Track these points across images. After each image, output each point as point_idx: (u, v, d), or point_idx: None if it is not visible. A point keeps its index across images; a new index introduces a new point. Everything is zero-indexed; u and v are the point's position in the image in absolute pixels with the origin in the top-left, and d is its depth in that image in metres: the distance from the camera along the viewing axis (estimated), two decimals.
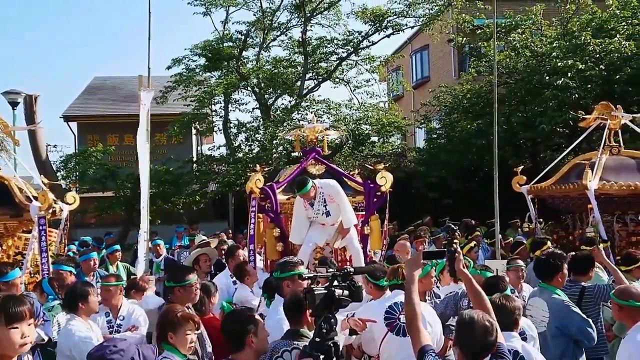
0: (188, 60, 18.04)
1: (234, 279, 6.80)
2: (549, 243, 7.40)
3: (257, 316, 3.62)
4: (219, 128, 19.22)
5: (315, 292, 3.06)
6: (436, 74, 24.20)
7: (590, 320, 4.83)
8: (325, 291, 3.09)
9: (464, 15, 17.81)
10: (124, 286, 6.04)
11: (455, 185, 16.12)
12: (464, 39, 18.09)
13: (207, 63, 17.99)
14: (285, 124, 16.31)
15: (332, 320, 3.05)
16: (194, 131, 20.20)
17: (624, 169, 8.44)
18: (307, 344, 3.52)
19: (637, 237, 8.06)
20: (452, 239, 3.78)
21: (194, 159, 19.87)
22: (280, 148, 16.73)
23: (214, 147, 20.28)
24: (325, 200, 6.84)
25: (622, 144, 8.98)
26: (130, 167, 15.99)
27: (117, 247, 9.10)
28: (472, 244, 7.70)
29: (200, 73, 18.33)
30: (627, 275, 5.80)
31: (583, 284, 5.49)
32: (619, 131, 8.94)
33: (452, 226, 10.55)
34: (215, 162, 18.44)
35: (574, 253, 6.29)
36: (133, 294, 6.13)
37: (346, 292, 3.12)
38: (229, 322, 3.59)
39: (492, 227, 8.71)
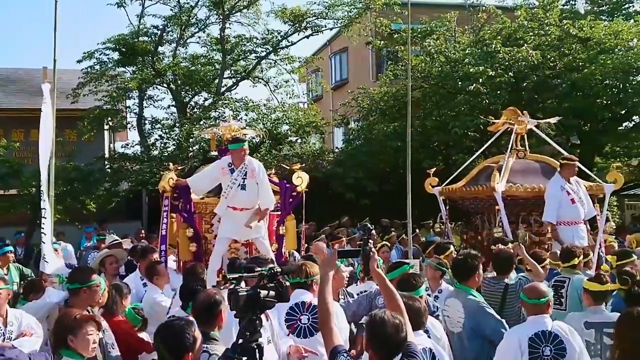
0: (100, 54, 17.36)
1: (144, 280, 6.57)
2: (452, 248, 7.59)
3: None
4: (132, 125, 18.61)
5: (239, 293, 2.97)
6: (355, 76, 24.53)
7: (504, 321, 4.97)
8: (250, 292, 3.00)
9: (381, 19, 18.12)
10: (15, 290, 5.65)
11: (372, 187, 16.36)
12: (382, 42, 18.42)
13: (121, 57, 17.40)
14: (202, 122, 16.01)
15: (257, 321, 2.98)
16: (106, 127, 19.45)
17: (529, 172, 8.83)
18: (217, 346, 3.43)
19: (540, 238, 8.44)
20: (367, 238, 3.78)
21: (106, 156, 19.15)
22: (197, 147, 16.41)
23: (127, 144, 19.59)
24: (247, 173, 6.83)
25: (528, 148, 9.37)
26: (37, 164, 15.15)
27: (9, 248, 8.47)
28: (382, 243, 7.81)
29: (114, 68, 17.69)
30: (531, 274, 6.07)
31: (506, 281, 5.71)
32: (525, 136, 9.33)
33: (368, 225, 10.66)
34: (129, 160, 17.84)
35: (497, 251, 6.47)
36: (32, 296, 5.75)
37: (272, 293, 3.04)
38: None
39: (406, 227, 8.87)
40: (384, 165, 17.00)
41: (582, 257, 6.35)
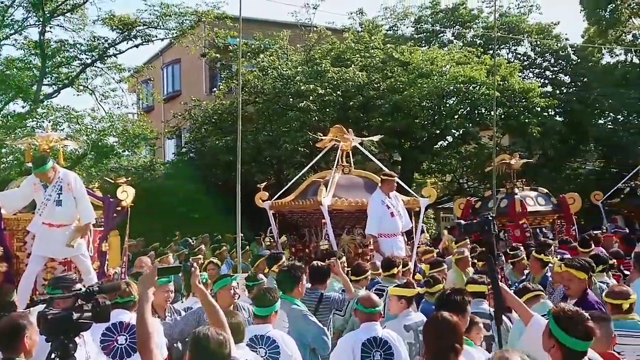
0: None
1: None
2: (284, 257, 7.72)
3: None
4: None
5: (49, 316, 2.74)
6: (188, 88, 24.11)
7: (326, 328, 5.16)
8: (61, 314, 2.78)
9: (216, 30, 18.05)
10: None
11: (205, 200, 16.15)
12: (216, 55, 18.34)
13: None
14: (17, 131, 14.73)
15: (70, 345, 2.77)
16: None
17: (354, 186, 9.24)
18: None
19: (363, 249, 8.86)
20: (189, 254, 3.72)
21: None
22: (11, 157, 15.06)
23: None
24: (62, 187, 6.38)
25: (353, 164, 9.84)
26: None
27: None
28: (209, 259, 7.73)
29: None
30: (355, 284, 6.35)
31: (322, 291, 5.88)
32: (351, 152, 9.79)
33: (190, 241, 10.49)
34: None
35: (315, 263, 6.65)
36: None
37: (87, 314, 2.84)
38: None
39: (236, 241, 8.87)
40: (216, 179, 16.89)
41: (401, 266, 6.81)
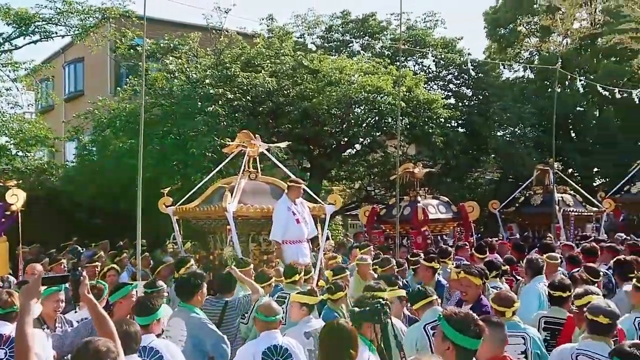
0: None
1: None
2: (192, 261, 7.58)
3: None
4: None
5: None
6: (91, 88, 23.18)
7: (226, 337, 5.09)
8: None
9: (123, 29, 17.44)
10: None
11: (105, 205, 15.52)
12: (121, 55, 17.74)
13: None
14: None
15: None
16: None
17: (259, 193, 9.22)
18: None
19: (267, 256, 8.84)
20: (76, 262, 3.55)
21: None
22: None
23: None
24: None
25: (260, 170, 9.79)
26: None
27: None
28: (110, 266, 7.45)
29: None
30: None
31: (226, 299, 5.80)
32: (258, 158, 9.74)
33: (78, 248, 10.06)
34: None
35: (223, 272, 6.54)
36: None
37: None
38: None
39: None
40: (118, 183, 16.26)
41: (303, 273, 6.82)
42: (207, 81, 15.37)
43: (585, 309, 3.99)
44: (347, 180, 21.53)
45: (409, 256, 9.04)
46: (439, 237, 11.80)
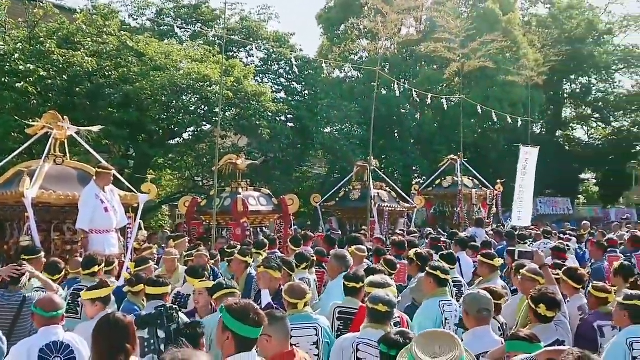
0: None
1: None
2: None
3: None
4: None
5: None
6: None
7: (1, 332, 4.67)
8: None
9: None
10: None
11: None
12: None
13: None
14: None
15: None
16: None
17: (65, 179, 8.54)
18: None
19: (72, 246, 8.26)
20: None
21: None
22: None
23: None
24: None
25: (68, 154, 9.10)
26: None
27: None
28: None
29: None
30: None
31: (23, 292, 5.42)
32: (66, 142, 9.04)
33: None
34: None
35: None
36: None
37: None
38: None
39: None
40: None
41: (103, 264, 6.45)
42: (16, 55, 14.00)
43: (366, 299, 4.16)
44: (174, 170, 20.97)
45: (225, 247, 8.95)
46: (258, 229, 11.85)
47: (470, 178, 18.95)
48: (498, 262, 6.58)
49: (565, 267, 6.24)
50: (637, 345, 4.11)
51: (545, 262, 5.68)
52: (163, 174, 21.97)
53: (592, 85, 37.54)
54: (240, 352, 3.00)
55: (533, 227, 16.64)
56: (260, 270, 5.68)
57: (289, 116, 20.84)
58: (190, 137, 19.11)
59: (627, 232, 13.12)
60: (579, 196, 41.17)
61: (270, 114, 17.81)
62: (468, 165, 19.16)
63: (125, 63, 15.38)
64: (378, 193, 15.19)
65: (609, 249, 9.05)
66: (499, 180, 18.52)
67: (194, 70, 15.27)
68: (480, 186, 18.82)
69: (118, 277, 7.01)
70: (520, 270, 5.64)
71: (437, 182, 18.70)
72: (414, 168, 26.79)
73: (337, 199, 15.69)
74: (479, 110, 19.31)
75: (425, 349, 2.56)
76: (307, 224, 20.88)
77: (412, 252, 7.25)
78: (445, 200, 17.55)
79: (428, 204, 18.69)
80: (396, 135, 26.56)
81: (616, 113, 37.48)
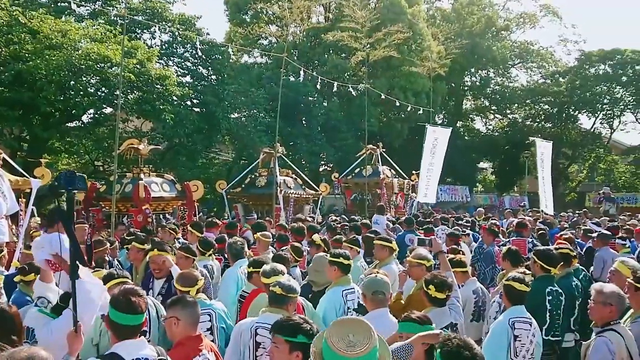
0: None
1: None
2: None
3: None
4: None
5: None
6: None
7: None
8: None
9: None
10: None
11: None
12: None
13: None
14: None
15: None
16: None
17: None
18: None
19: None
20: None
21: None
22: None
23: None
24: None
25: None
26: None
27: None
28: None
29: None
30: None
31: None
32: None
33: None
34: None
35: None
36: None
37: None
38: None
39: None
40: None
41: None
42: None
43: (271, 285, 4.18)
44: (71, 154, 20.02)
45: (125, 235, 8.66)
46: (160, 216, 11.55)
47: (389, 168, 19.52)
48: (395, 245, 6.69)
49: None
50: (519, 325, 4.37)
51: (442, 248, 5.88)
52: (60, 158, 20.94)
53: (490, 79, 39.35)
54: (124, 340, 3.04)
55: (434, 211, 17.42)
56: (154, 253, 5.54)
57: (194, 101, 20.40)
58: (90, 120, 18.28)
59: (517, 218, 13.90)
60: (477, 184, 43.20)
61: (175, 99, 17.36)
62: (386, 156, 19.72)
63: (18, 40, 14.43)
64: (284, 180, 15.23)
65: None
66: (414, 172, 19.07)
67: (93, 50, 14.57)
68: (396, 175, 19.49)
69: (8, 267, 6.64)
70: (406, 257, 5.79)
71: (357, 170, 19.13)
72: (320, 155, 27.04)
73: (243, 186, 15.59)
74: (384, 98, 19.75)
75: (341, 337, 2.57)
76: (213, 210, 20.62)
77: (316, 237, 7.32)
78: (366, 189, 17.87)
79: (348, 191, 19.15)
80: (303, 122, 26.66)
81: (512, 106, 39.51)
